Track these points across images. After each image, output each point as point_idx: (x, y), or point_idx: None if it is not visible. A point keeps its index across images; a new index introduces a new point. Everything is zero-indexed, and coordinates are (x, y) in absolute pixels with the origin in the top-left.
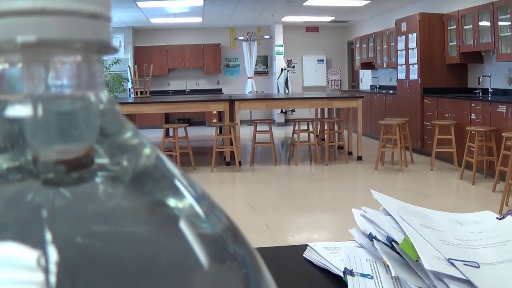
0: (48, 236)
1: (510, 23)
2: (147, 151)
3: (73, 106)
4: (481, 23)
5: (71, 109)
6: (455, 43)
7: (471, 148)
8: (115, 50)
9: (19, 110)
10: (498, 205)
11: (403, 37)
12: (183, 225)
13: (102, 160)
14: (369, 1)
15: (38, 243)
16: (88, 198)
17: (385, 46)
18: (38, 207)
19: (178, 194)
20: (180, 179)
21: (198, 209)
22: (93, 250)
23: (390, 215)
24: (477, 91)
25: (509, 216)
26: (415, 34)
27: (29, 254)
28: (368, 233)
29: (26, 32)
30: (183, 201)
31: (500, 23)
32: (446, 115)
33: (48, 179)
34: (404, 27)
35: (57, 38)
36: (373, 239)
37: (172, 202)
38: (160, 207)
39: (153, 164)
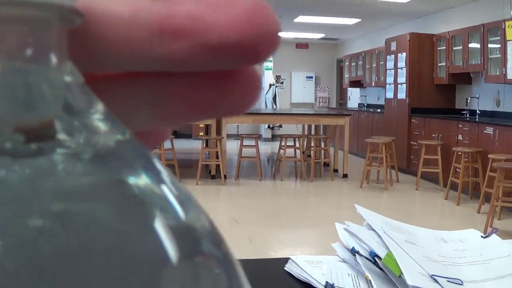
0: (25, 214)
1: (499, 45)
2: (112, 131)
3: (35, 74)
4: (470, 45)
5: (33, 76)
6: (444, 63)
7: (457, 169)
8: (80, 18)
9: None
10: (483, 226)
11: (393, 56)
12: (150, 211)
13: (62, 136)
14: (360, 20)
15: (12, 224)
16: (46, 173)
17: (374, 65)
18: (4, 180)
19: (149, 178)
20: (154, 165)
21: (170, 197)
22: (50, 230)
23: (374, 230)
24: (465, 112)
25: (493, 234)
26: (404, 54)
27: None
28: (351, 247)
29: None
30: (154, 186)
31: (489, 45)
32: (433, 135)
33: (3, 148)
34: (393, 46)
35: None
36: (356, 254)
37: (140, 184)
38: (124, 188)
39: (119, 144)
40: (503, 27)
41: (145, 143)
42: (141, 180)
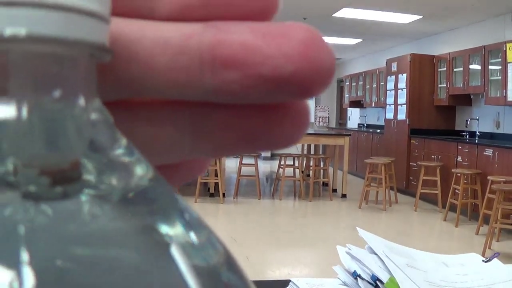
0: (25, 256)
1: (500, 67)
2: (140, 170)
3: (62, 113)
4: (471, 66)
5: (60, 116)
6: (445, 85)
7: (456, 190)
8: (111, 55)
9: (1, 113)
10: (481, 248)
11: (393, 77)
12: (174, 254)
13: (89, 176)
14: (361, 40)
15: (12, 263)
16: (71, 217)
17: (374, 85)
18: (15, 222)
19: (171, 220)
20: (175, 203)
21: (192, 237)
22: (75, 275)
23: (376, 254)
24: (465, 133)
25: (495, 259)
26: (405, 75)
27: (1, 276)
28: (353, 271)
29: (15, 25)
30: (176, 228)
31: (490, 67)
32: (433, 156)
33: (28, 191)
34: (394, 67)
35: (50, 34)
36: (357, 277)
37: (164, 228)
38: (150, 232)
39: (146, 186)
40: (504, 49)
41: (186, 173)
42: (165, 224)
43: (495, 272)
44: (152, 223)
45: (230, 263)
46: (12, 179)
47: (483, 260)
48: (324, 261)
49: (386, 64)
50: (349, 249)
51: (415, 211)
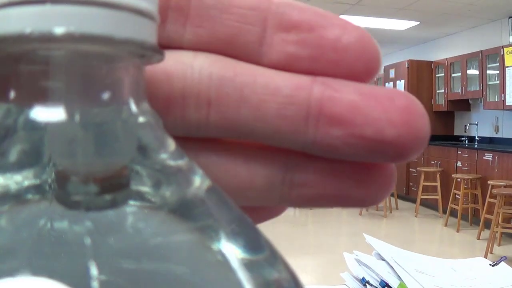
0: (94, 271)
1: (498, 71)
2: (197, 179)
3: (110, 117)
4: (469, 71)
5: (108, 120)
6: (443, 90)
7: (456, 196)
8: (161, 57)
9: (47, 117)
10: (483, 253)
11: (391, 83)
12: (228, 272)
13: (142, 186)
14: None
15: (82, 280)
16: (115, 228)
17: None
18: (78, 235)
19: (225, 235)
20: (232, 216)
21: (253, 257)
22: None
23: (384, 260)
24: (464, 138)
25: (502, 262)
26: (403, 81)
27: None
28: (361, 277)
29: (65, 24)
30: (230, 243)
31: (488, 71)
32: (432, 162)
33: (77, 201)
34: (392, 73)
35: (100, 33)
36: (366, 284)
37: (217, 244)
38: (203, 248)
39: (203, 197)
40: (502, 53)
41: (266, 215)
42: (222, 241)
43: (503, 276)
44: (205, 238)
45: (289, 280)
46: (59, 187)
47: (490, 264)
48: (326, 269)
49: (383, 71)
50: (357, 255)
51: (416, 217)
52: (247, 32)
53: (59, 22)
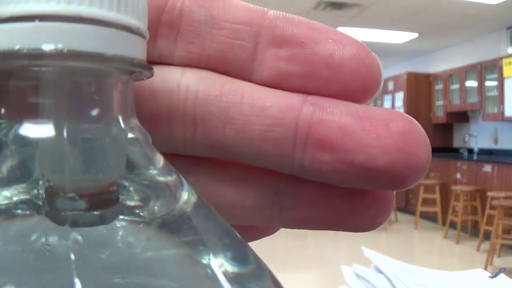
0: (81, 287)
1: (497, 83)
2: (185, 194)
3: (99, 133)
4: (468, 83)
5: (97, 136)
6: (442, 102)
7: (456, 208)
8: (150, 73)
9: (37, 133)
10: (483, 264)
11: (390, 95)
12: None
13: (128, 199)
14: None
15: None
16: (113, 244)
17: (371, 105)
18: (63, 251)
19: (214, 249)
20: (220, 231)
21: (241, 270)
22: None
23: (383, 273)
24: (463, 150)
25: (501, 274)
26: (402, 93)
27: None
28: None
29: (53, 41)
30: (219, 258)
31: (487, 83)
32: (431, 174)
33: (65, 216)
34: (391, 86)
35: (89, 50)
36: None
37: (206, 258)
38: (192, 262)
39: (190, 212)
40: (500, 64)
41: (259, 233)
42: (211, 255)
43: (502, 287)
44: (193, 253)
45: None
46: (47, 203)
47: (489, 276)
48: (324, 282)
49: (383, 83)
50: (355, 269)
51: (416, 229)
52: (238, 48)
53: (48, 39)
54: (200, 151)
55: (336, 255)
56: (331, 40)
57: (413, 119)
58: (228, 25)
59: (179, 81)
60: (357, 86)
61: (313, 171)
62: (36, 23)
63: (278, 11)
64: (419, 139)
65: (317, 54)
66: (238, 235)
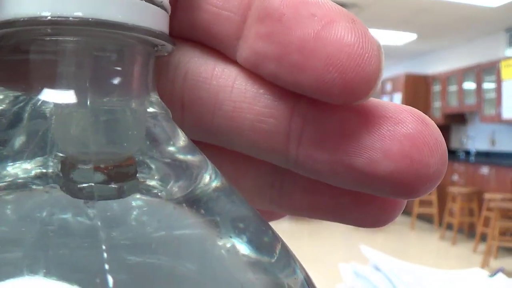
0: (99, 262)
1: (494, 85)
2: (206, 176)
3: (119, 106)
4: (465, 85)
5: (116, 108)
6: (439, 104)
7: (452, 209)
8: (173, 47)
9: (57, 103)
10: (479, 266)
11: (388, 96)
12: (241, 269)
13: (149, 180)
14: None
15: (89, 271)
16: (128, 223)
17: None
18: (83, 226)
19: (239, 234)
20: (245, 216)
21: (259, 255)
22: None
23: (381, 271)
24: (460, 152)
25: (500, 273)
26: (400, 94)
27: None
28: None
29: (81, 10)
30: (242, 242)
31: (484, 85)
32: None
33: (83, 188)
34: (389, 86)
35: (114, 20)
36: None
37: (223, 241)
38: (216, 247)
39: (211, 194)
40: (498, 66)
41: (266, 218)
42: (222, 236)
43: (500, 287)
44: (209, 234)
45: (301, 282)
46: (65, 175)
47: (488, 275)
48: (322, 281)
49: (381, 84)
50: (353, 267)
51: (412, 230)
52: (225, 20)
53: (72, 7)
54: (191, 136)
55: (332, 255)
56: (316, 16)
57: (430, 119)
58: None
59: (168, 59)
60: (333, 79)
61: (309, 170)
62: None
63: None
64: (432, 144)
65: (294, 33)
66: (264, 221)
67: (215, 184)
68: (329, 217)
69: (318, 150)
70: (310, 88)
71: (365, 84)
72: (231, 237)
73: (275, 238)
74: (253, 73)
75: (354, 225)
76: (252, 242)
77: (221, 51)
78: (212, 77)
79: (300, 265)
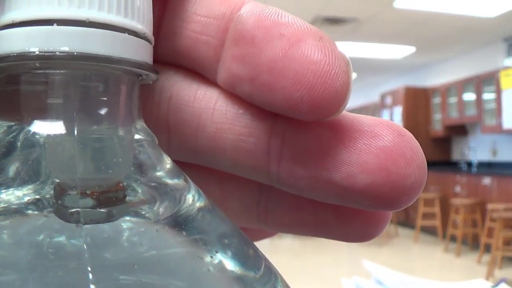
0: (91, 284)
1: (494, 95)
2: (190, 197)
3: (106, 134)
4: (465, 96)
5: (104, 136)
6: (439, 116)
7: (455, 221)
8: (156, 77)
9: (47, 133)
10: (484, 277)
11: (388, 110)
12: (228, 284)
13: (133, 199)
14: (355, 75)
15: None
16: (119, 244)
17: None
18: (75, 248)
19: (224, 251)
20: (229, 233)
21: (244, 270)
22: None
23: (384, 286)
24: (462, 163)
25: (502, 283)
26: (400, 108)
27: None
28: None
29: (64, 44)
30: (228, 258)
31: (484, 95)
32: (431, 188)
33: (74, 213)
34: (389, 100)
35: (99, 53)
36: None
37: (208, 258)
38: (193, 261)
39: (195, 215)
40: (498, 77)
41: (257, 235)
42: (208, 253)
43: None
44: (196, 251)
45: None
46: (57, 200)
47: (491, 286)
48: None
49: (381, 98)
50: (356, 281)
51: (416, 243)
52: (203, 44)
53: (59, 42)
54: (177, 158)
55: (335, 270)
56: (284, 36)
57: (406, 131)
58: (198, 18)
59: (153, 85)
60: (301, 97)
61: (291, 186)
62: (48, 27)
63: (256, 2)
64: (409, 156)
65: (264, 54)
66: (246, 237)
67: (198, 204)
68: (315, 232)
69: (297, 167)
70: (282, 106)
71: (334, 99)
72: (217, 252)
73: (258, 253)
74: (233, 94)
75: (340, 240)
76: (237, 257)
77: (202, 74)
78: (194, 100)
79: (282, 279)
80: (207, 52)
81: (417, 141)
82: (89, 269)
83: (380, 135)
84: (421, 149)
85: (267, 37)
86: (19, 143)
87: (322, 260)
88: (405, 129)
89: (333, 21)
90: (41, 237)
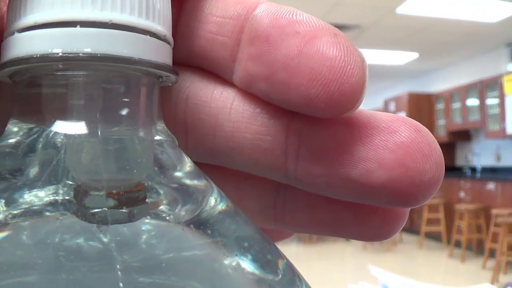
0: (115, 284)
1: (497, 99)
2: (212, 199)
3: (128, 135)
4: (469, 102)
5: (125, 137)
6: (443, 122)
7: (460, 226)
8: (176, 78)
9: (69, 133)
10: (489, 282)
11: None
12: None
13: (154, 200)
14: None
15: None
16: (138, 245)
17: None
18: (96, 250)
19: (244, 254)
20: (250, 236)
21: (263, 273)
22: None
23: None
24: (466, 169)
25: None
26: (403, 114)
27: None
28: None
29: (86, 45)
30: (247, 261)
31: (488, 100)
32: (435, 193)
33: (95, 213)
34: (392, 106)
35: (120, 55)
36: None
37: (228, 260)
38: (222, 266)
39: (216, 217)
40: (501, 82)
41: (276, 236)
42: (229, 256)
43: None
44: (216, 254)
45: None
46: (78, 201)
47: None
48: None
49: (384, 104)
50: (362, 286)
51: (420, 249)
52: (220, 45)
53: (82, 43)
54: (195, 159)
55: (341, 276)
56: (299, 33)
57: (423, 127)
58: (214, 19)
59: (170, 86)
60: (317, 93)
61: (308, 184)
62: (71, 28)
63: (270, 2)
64: (426, 151)
65: (279, 52)
66: (269, 240)
67: (220, 206)
68: (332, 232)
69: (315, 164)
70: (298, 104)
71: (350, 95)
72: (236, 255)
73: (279, 256)
74: (249, 93)
75: (357, 239)
76: (256, 260)
77: (219, 74)
78: (211, 100)
79: (306, 283)
80: (223, 52)
81: (434, 137)
82: (118, 267)
83: (397, 131)
84: (438, 145)
85: (282, 35)
86: (40, 145)
87: (327, 266)
88: (422, 125)
89: (336, 28)
90: (62, 237)
